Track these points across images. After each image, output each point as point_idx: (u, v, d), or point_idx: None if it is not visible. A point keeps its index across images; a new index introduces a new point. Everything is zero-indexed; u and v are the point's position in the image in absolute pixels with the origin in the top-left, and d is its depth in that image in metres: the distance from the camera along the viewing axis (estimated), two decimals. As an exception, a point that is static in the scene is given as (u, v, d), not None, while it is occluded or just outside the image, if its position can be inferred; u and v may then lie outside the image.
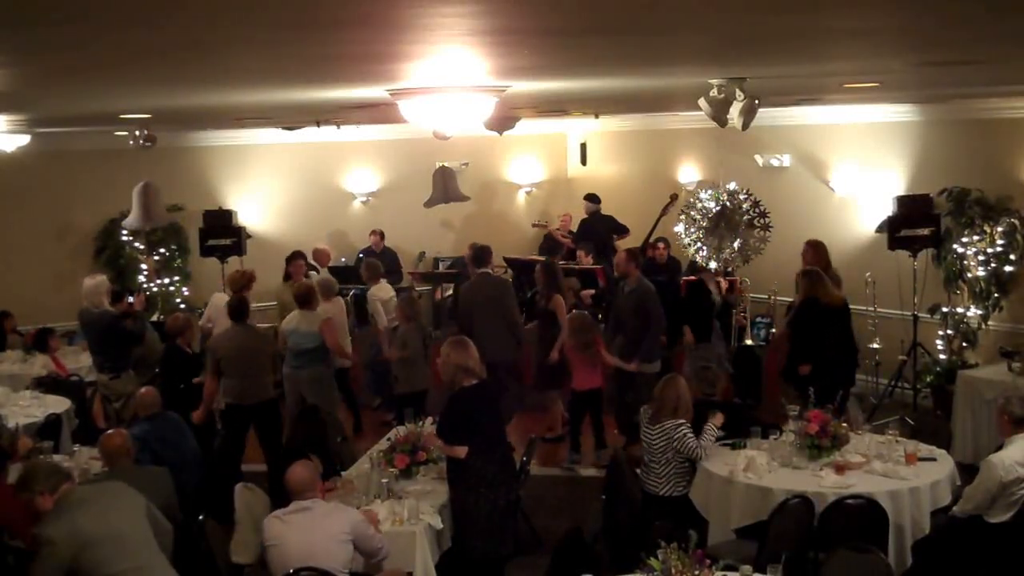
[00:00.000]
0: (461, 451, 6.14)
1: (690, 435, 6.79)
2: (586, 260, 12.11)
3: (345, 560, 5.26)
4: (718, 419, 6.94)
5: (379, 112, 8.46)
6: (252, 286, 9.94)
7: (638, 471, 7.11)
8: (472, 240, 12.48)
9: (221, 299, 10.06)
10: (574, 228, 13.83)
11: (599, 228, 13.20)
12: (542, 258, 13.15)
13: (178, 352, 8.78)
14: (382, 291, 10.74)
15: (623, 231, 13.20)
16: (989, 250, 9.96)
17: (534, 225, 14.76)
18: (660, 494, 6.86)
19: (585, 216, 13.63)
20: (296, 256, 11.34)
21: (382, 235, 13.41)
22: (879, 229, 10.74)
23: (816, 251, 9.60)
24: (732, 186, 10.26)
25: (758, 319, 10.97)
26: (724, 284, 10.35)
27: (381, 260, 12.84)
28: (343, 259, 13.52)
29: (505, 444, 6.48)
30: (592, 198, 13.61)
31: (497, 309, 9.37)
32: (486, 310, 9.37)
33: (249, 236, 12.41)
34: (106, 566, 4.70)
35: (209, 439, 8.34)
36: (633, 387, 9.21)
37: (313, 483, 5.54)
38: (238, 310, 8.54)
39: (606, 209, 13.56)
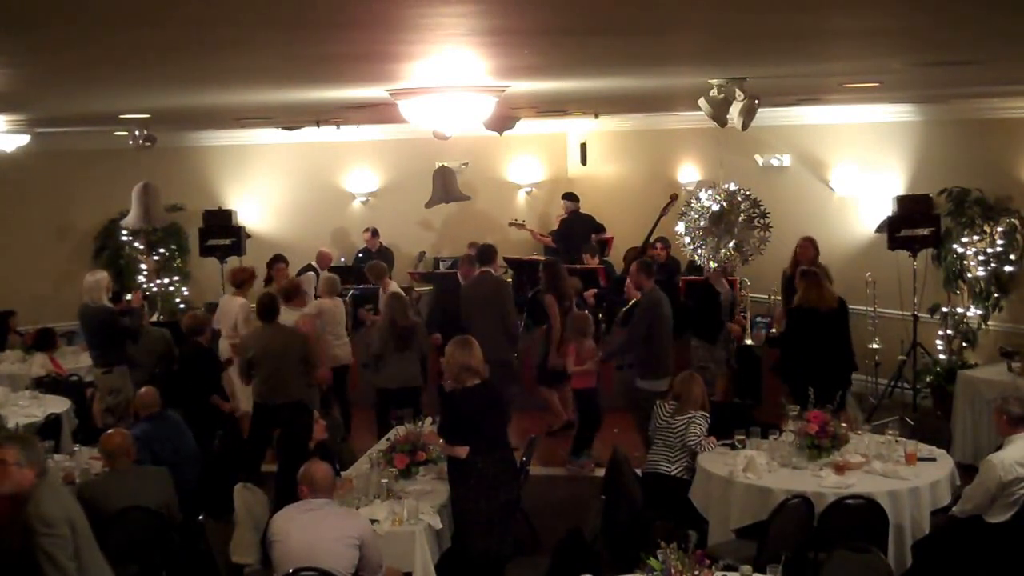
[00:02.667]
0: (462, 451, 6.15)
1: (699, 428, 6.94)
2: (591, 261, 12.13)
3: (349, 564, 5.25)
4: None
5: (379, 112, 8.47)
6: (253, 283, 9.97)
7: (638, 472, 7.13)
8: (472, 240, 12.50)
9: (230, 302, 10.00)
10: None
11: (578, 228, 13.21)
12: (543, 258, 13.17)
13: (201, 351, 8.77)
14: (395, 288, 10.80)
15: (601, 230, 13.24)
16: (989, 250, 9.96)
17: (510, 224, 14.56)
18: (671, 474, 6.94)
19: (564, 215, 13.61)
20: (278, 259, 11.35)
21: (375, 232, 13.36)
22: (879, 229, 10.73)
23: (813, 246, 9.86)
24: (732, 186, 10.25)
25: (758, 319, 10.97)
26: (725, 284, 10.34)
27: (379, 259, 12.86)
28: (342, 259, 13.52)
29: (506, 444, 6.48)
30: (570, 197, 13.61)
31: (495, 308, 9.34)
32: (484, 309, 9.34)
33: (249, 236, 12.41)
34: None
35: (210, 439, 8.33)
36: (634, 406, 8.87)
37: (332, 485, 5.54)
38: (269, 309, 8.51)
39: (608, 210, 13.58)
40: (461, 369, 6.26)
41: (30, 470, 4.70)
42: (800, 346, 8.57)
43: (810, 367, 8.22)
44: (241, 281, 9.81)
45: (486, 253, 9.89)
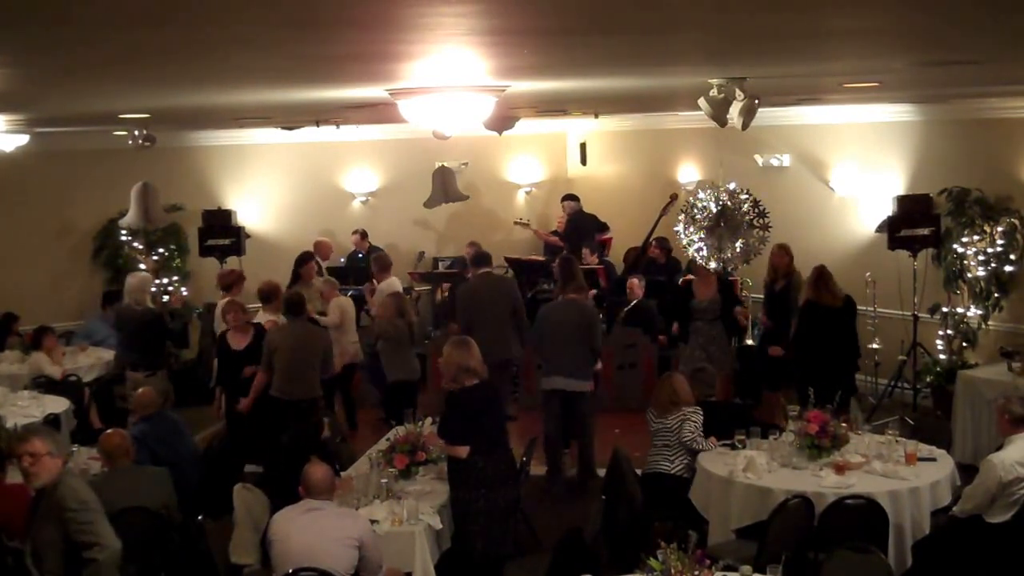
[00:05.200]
0: (462, 451, 6.15)
1: (692, 425, 6.95)
2: (591, 259, 12.12)
3: (348, 564, 5.25)
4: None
5: (379, 112, 8.46)
6: (243, 285, 9.97)
7: (639, 473, 7.13)
8: (472, 240, 12.52)
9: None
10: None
11: (583, 226, 13.24)
12: (542, 258, 13.17)
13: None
14: (393, 285, 10.83)
15: (604, 228, 13.31)
16: (989, 250, 9.96)
17: (516, 223, 14.62)
18: (671, 472, 6.97)
19: (568, 215, 13.64)
20: (308, 258, 11.27)
21: (364, 234, 13.33)
22: (879, 229, 10.73)
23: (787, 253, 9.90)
24: (732, 186, 10.23)
25: (758, 319, 10.95)
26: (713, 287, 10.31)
27: (367, 261, 12.82)
28: (341, 259, 13.50)
29: (506, 444, 6.48)
30: (572, 197, 13.71)
31: (505, 307, 9.28)
32: (492, 308, 9.26)
33: (248, 236, 12.40)
34: None
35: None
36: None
37: (331, 486, 5.54)
38: (295, 305, 8.56)
39: (608, 210, 13.61)
40: (459, 370, 6.26)
41: (59, 458, 4.73)
42: (807, 343, 8.58)
43: (815, 364, 8.23)
44: (229, 284, 9.82)
45: (481, 256, 9.91)
